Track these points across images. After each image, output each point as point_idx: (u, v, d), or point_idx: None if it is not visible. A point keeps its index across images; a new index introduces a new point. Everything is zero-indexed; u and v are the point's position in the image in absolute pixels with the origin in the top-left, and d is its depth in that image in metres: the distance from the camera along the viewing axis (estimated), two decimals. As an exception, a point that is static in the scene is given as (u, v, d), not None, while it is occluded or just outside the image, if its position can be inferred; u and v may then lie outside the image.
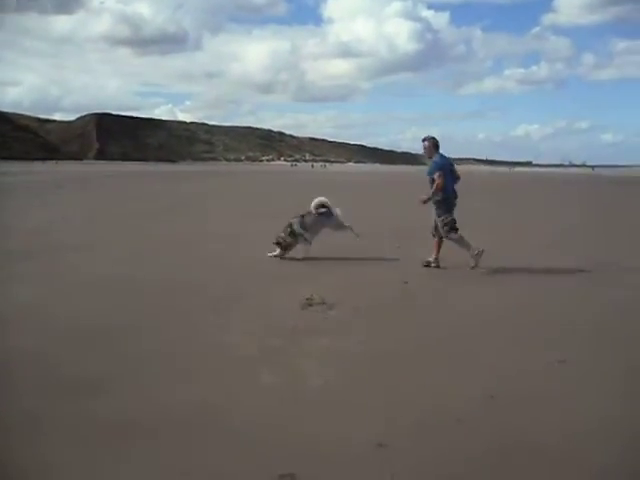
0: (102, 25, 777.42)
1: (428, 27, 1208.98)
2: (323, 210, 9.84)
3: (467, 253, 8.78)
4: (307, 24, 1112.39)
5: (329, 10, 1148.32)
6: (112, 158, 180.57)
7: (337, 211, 9.97)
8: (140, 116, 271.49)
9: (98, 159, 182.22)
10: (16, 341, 5.19)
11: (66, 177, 46.27)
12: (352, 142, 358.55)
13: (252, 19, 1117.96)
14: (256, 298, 6.96)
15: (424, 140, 9.04)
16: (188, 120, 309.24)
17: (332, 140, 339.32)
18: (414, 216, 10.98)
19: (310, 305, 6.50)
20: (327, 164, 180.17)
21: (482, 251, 8.69)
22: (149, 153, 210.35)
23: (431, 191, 8.71)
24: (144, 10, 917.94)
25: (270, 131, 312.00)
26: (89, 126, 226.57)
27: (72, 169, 75.75)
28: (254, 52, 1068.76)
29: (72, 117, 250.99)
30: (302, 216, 9.77)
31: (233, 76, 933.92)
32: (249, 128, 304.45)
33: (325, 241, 9.43)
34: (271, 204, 20.05)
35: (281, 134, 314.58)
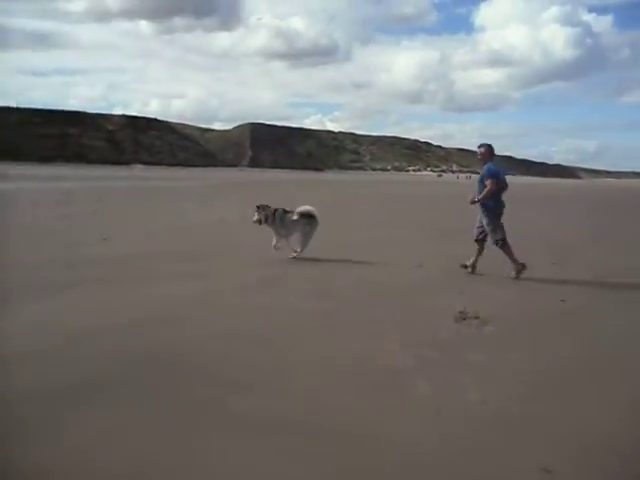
0: (258, 40, 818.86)
1: (588, 31, 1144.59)
2: (304, 215, 10.16)
3: (511, 264, 8.88)
4: (457, 33, 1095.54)
5: (481, 18, 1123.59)
6: (264, 165, 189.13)
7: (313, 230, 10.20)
8: (291, 126, 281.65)
9: (251, 166, 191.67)
10: (186, 335, 5.60)
11: (228, 182, 49.08)
12: (500, 153, 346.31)
13: (401, 30, 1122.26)
14: (407, 309, 6.96)
15: (480, 147, 9.31)
16: (336, 130, 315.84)
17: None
18: (576, 230, 10.40)
19: (464, 319, 6.39)
20: (473, 175, 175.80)
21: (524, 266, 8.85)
22: (298, 161, 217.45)
23: (480, 195, 8.87)
24: (298, 25, 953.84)
25: (417, 141, 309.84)
26: (244, 135, 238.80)
27: (229, 175, 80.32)
28: (403, 62, 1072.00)
29: (229, 126, 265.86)
30: (285, 211, 10.27)
31: (381, 86, 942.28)
32: (396, 138, 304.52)
33: (486, 255, 9.19)
34: (409, 215, 19.90)
35: (428, 144, 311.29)
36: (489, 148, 9.25)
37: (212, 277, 8.47)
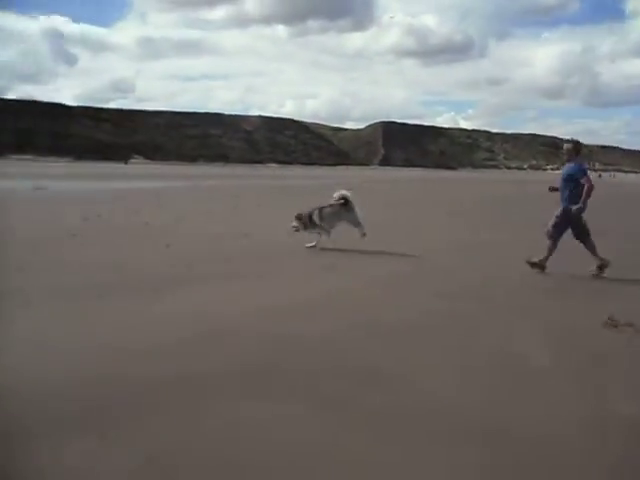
0: (390, 39, 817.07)
1: None
2: (342, 202, 10.70)
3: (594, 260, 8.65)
4: (604, 22, 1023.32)
5: (633, 3, 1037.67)
6: (395, 164, 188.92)
7: (357, 209, 10.83)
8: (423, 124, 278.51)
9: (382, 165, 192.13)
10: (310, 328, 5.84)
11: (359, 180, 49.63)
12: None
13: (541, 22, 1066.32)
14: (546, 311, 6.77)
15: (567, 142, 8.98)
16: (469, 127, 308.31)
17: (626, 148, 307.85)
18: None
19: (614, 326, 6.10)
20: (616, 173, 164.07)
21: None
22: (430, 160, 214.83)
23: (583, 197, 8.41)
24: (430, 21, 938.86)
25: (555, 138, 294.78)
26: (376, 134, 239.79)
27: (359, 174, 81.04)
28: (542, 56, 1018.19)
29: (361, 125, 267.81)
30: (321, 208, 10.69)
31: (518, 82, 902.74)
32: (533, 135, 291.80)
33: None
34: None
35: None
36: (578, 145, 8.91)
37: (343, 272, 8.68)
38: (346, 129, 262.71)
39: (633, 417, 3.94)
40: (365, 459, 3.30)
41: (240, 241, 11.45)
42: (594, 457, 3.38)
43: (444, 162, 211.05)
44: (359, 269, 8.95)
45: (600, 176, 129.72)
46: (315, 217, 10.68)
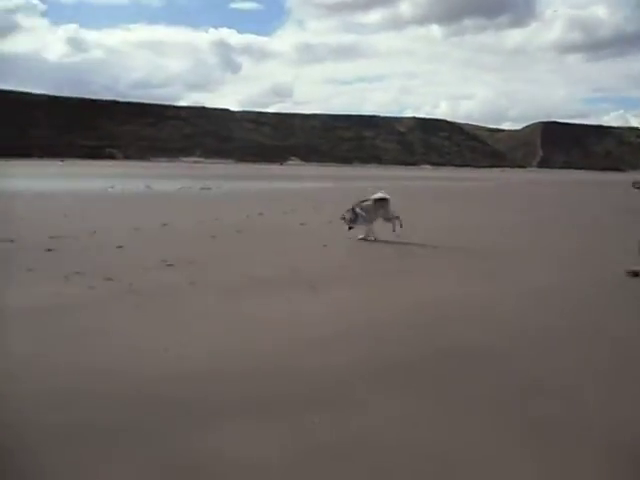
0: (552, 34, 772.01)
1: None
2: (380, 201, 12.05)
3: None
4: None
5: None
6: (554, 166, 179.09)
7: (390, 206, 12.17)
8: (587, 123, 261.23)
9: (541, 167, 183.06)
10: (470, 338, 5.91)
11: (514, 183, 47.85)
12: None
13: None
14: None
15: None
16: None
17: None
18: None
19: None
20: None
21: None
22: (594, 161, 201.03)
23: None
24: (599, 12, 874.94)
25: None
26: (534, 134, 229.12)
27: (515, 176, 78.03)
28: None
29: (518, 126, 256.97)
30: (362, 201, 12.03)
31: None
32: None
33: None
34: None
35: None
36: None
37: (501, 276, 8.60)
38: (503, 130, 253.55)
39: None
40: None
41: (391, 244, 11.72)
42: None
43: (611, 164, 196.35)
44: (519, 276, 8.82)
45: None
46: (357, 209, 11.90)
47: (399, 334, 5.63)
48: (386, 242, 11.61)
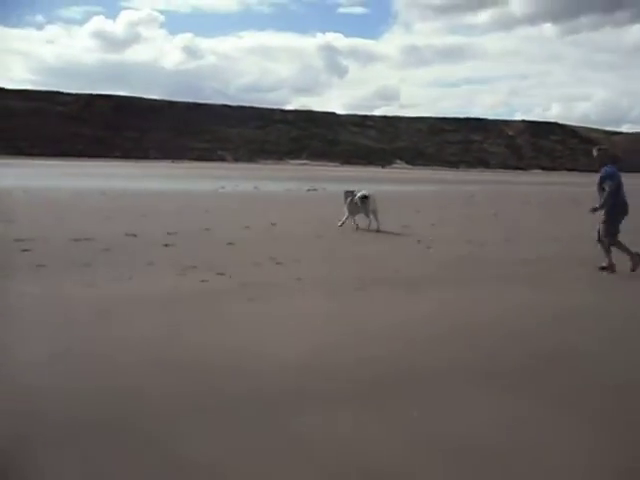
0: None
1: None
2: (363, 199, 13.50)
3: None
4: None
5: None
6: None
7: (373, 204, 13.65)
8: None
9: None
10: (578, 341, 5.78)
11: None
12: None
13: None
14: None
15: (597, 149, 9.60)
16: None
17: None
18: None
19: None
20: None
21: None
22: None
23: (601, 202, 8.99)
24: None
25: None
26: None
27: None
28: None
29: (639, 128, 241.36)
30: (352, 198, 13.66)
31: None
32: None
33: None
34: None
35: None
36: (604, 152, 9.58)
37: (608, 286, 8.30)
38: (621, 132, 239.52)
39: None
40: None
41: (496, 252, 11.52)
42: None
43: None
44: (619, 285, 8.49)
45: None
46: (356, 199, 13.53)
47: (497, 337, 5.63)
48: (492, 250, 11.45)
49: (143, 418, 3.75)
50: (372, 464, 3.29)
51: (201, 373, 4.52)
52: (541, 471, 3.28)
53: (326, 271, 8.68)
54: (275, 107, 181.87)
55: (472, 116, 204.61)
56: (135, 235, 11.30)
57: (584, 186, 51.32)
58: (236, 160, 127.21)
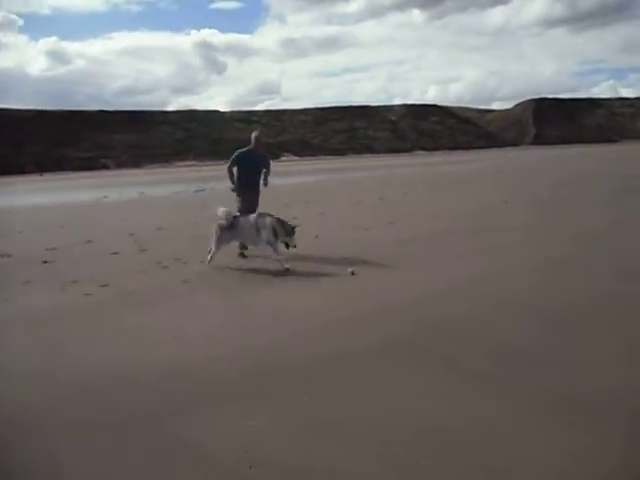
0: (536, 8, 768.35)
1: None
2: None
3: None
4: None
5: None
6: (549, 142, 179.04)
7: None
8: (577, 97, 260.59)
9: (534, 144, 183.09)
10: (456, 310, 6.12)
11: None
12: None
13: None
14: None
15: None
16: (632, 95, 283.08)
17: None
18: None
19: None
20: None
21: None
22: (587, 135, 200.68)
23: None
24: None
25: None
26: (526, 112, 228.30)
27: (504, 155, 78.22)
28: None
29: (509, 105, 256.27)
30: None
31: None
32: None
33: None
34: None
35: None
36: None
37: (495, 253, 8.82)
38: (493, 110, 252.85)
39: None
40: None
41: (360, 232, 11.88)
42: None
43: (602, 136, 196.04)
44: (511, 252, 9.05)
45: None
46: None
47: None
48: (376, 233, 11.80)
49: (26, 436, 3.61)
50: (262, 456, 3.34)
51: (84, 387, 4.39)
52: (425, 439, 3.47)
53: (213, 270, 8.61)
54: (156, 109, 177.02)
55: (354, 104, 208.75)
56: (10, 255, 10.66)
57: (463, 164, 53.97)
58: (120, 167, 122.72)
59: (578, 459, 3.19)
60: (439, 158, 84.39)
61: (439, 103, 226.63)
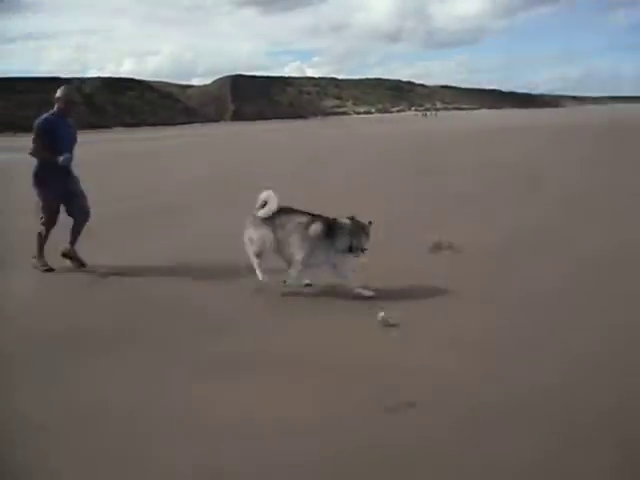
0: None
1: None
2: None
3: None
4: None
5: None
6: (247, 118, 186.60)
7: None
8: (271, 75, 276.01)
9: (234, 120, 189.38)
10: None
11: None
12: (486, 87, 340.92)
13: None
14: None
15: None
16: (317, 75, 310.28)
17: (464, 87, 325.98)
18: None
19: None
20: (439, 112, 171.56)
21: None
22: (281, 111, 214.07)
23: None
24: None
25: (399, 81, 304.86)
26: (224, 88, 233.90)
27: (203, 132, 79.41)
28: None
29: (208, 81, 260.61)
30: None
31: (359, 27, 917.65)
32: (378, 80, 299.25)
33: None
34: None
35: (411, 84, 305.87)
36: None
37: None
38: (193, 86, 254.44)
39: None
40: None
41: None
42: None
43: (294, 112, 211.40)
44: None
45: (425, 115, 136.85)
46: None
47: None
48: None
49: None
50: None
51: None
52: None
53: None
54: None
55: (43, 75, 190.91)
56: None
57: (160, 140, 53.18)
58: None
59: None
60: (140, 134, 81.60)
61: (137, 77, 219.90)
